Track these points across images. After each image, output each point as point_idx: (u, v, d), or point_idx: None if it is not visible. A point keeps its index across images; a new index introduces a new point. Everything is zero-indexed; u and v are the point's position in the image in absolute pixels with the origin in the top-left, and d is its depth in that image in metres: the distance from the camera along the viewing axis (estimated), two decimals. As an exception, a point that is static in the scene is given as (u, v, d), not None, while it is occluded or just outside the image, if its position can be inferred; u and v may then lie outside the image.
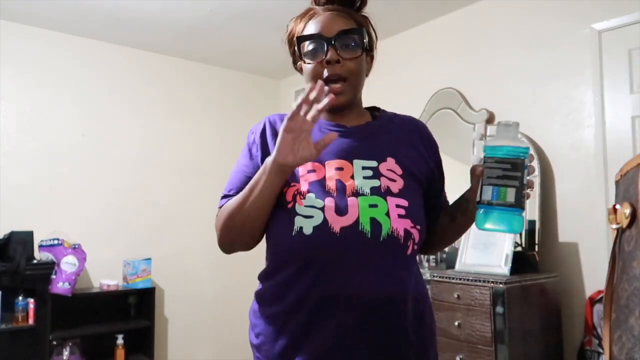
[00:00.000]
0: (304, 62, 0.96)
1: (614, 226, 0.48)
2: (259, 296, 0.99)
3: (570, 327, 2.40)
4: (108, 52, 3.57)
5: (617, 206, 0.47)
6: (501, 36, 2.81)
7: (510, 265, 2.23)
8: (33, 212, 3.17)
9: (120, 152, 3.58)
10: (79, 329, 3.11)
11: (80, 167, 3.40)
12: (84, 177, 3.41)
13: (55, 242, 3.01)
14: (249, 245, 1.00)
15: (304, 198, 0.89)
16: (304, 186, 0.90)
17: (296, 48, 0.96)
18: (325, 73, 0.93)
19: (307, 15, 0.99)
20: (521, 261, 2.37)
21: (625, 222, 0.46)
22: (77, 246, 3.10)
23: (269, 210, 0.91)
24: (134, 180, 3.62)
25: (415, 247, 0.91)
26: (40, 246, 3.01)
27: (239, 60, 4.01)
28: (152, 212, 3.68)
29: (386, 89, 3.13)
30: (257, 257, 4.77)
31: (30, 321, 2.84)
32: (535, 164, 2.51)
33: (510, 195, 0.79)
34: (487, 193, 0.81)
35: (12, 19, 3.16)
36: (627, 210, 0.45)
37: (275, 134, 0.99)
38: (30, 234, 2.95)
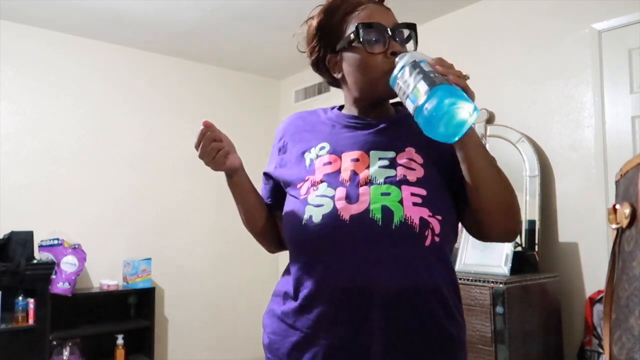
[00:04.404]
0: (365, 51, 0.88)
1: (614, 226, 0.48)
2: (274, 295, 0.99)
3: (570, 327, 2.40)
4: (108, 52, 3.57)
5: (617, 206, 0.47)
6: (501, 36, 2.81)
7: (510, 265, 2.23)
8: (33, 212, 3.17)
9: (120, 152, 3.58)
10: (79, 329, 3.11)
11: (81, 167, 3.40)
12: (84, 177, 3.41)
13: (55, 242, 3.01)
14: (260, 237, 1.10)
15: (317, 189, 0.89)
16: (318, 177, 0.90)
17: (353, 36, 0.89)
18: (390, 64, 0.86)
19: (346, 4, 0.93)
20: (521, 261, 2.37)
21: (625, 222, 0.46)
22: (77, 246, 3.10)
23: (247, 206, 1.04)
24: (134, 180, 3.62)
25: (437, 238, 0.83)
26: (40, 246, 3.01)
27: (239, 60, 4.01)
28: (152, 212, 3.68)
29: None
30: (257, 258, 4.77)
31: (30, 321, 2.84)
32: (535, 164, 2.51)
33: (422, 87, 0.73)
34: (409, 105, 0.76)
35: (12, 19, 3.16)
36: (627, 210, 0.45)
37: (304, 131, 1.03)
38: (30, 234, 2.95)
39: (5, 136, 3.14)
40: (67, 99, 3.39)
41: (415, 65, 0.77)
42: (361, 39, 0.88)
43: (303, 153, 0.97)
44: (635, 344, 0.42)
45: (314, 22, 0.97)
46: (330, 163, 0.91)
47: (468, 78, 0.78)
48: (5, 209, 3.07)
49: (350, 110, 1.00)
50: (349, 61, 0.92)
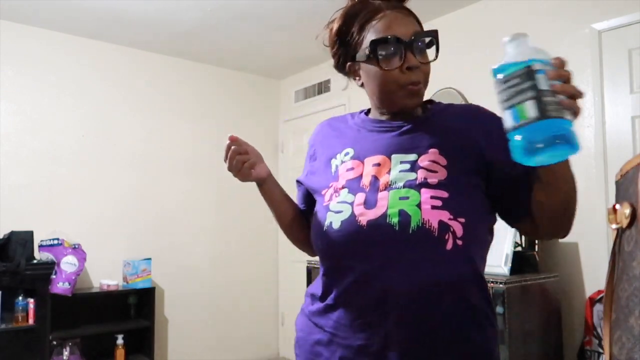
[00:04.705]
0: (380, 68, 0.88)
1: (614, 226, 0.48)
2: (305, 295, 1.01)
3: (570, 327, 2.40)
4: (108, 52, 3.57)
5: (617, 206, 0.47)
6: (501, 36, 2.77)
7: (510, 265, 2.23)
8: (33, 212, 3.17)
9: (120, 152, 3.58)
10: (79, 329, 3.11)
11: (81, 167, 3.40)
12: (84, 177, 3.41)
13: (55, 242, 3.01)
14: (298, 243, 1.12)
15: (339, 195, 0.90)
16: (340, 183, 0.92)
17: (368, 51, 0.89)
18: (405, 78, 0.88)
19: (364, 12, 0.91)
20: (521, 261, 2.37)
21: (625, 222, 0.46)
22: (77, 246, 3.10)
23: (278, 213, 1.07)
24: (134, 180, 3.62)
25: (460, 241, 0.81)
26: (40, 246, 3.01)
27: (239, 60, 4.01)
28: (152, 212, 3.68)
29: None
30: (257, 258, 4.76)
31: (30, 321, 2.84)
32: (535, 164, 2.51)
33: (531, 109, 0.63)
34: (508, 120, 0.66)
35: (12, 19, 3.16)
36: (627, 210, 0.45)
37: (331, 136, 1.04)
38: (30, 234, 2.95)
39: (5, 136, 3.14)
40: (67, 99, 3.39)
41: (530, 74, 0.65)
42: (376, 55, 0.88)
43: (330, 159, 0.98)
44: (635, 344, 0.42)
45: (334, 28, 0.96)
46: (352, 169, 0.92)
47: (582, 96, 0.67)
48: (5, 209, 3.07)
49: (375, 114, 1.00)
50: (366, 73, 0.93)
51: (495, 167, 0.87)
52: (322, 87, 4.01)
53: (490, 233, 0.92)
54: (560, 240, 2.46)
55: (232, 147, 0.98)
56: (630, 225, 0.45)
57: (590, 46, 2.40)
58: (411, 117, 0.95)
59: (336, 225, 0.87)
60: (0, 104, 3.14)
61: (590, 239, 2.35)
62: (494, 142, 0.85)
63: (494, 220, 0.93)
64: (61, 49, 3.38)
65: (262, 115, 4.35)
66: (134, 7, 3.02)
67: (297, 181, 1.10)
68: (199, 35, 3.47)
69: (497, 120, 0.87)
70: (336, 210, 0.88)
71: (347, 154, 0.96)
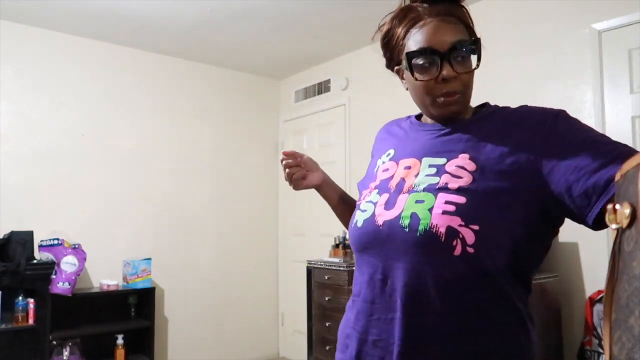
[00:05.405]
0: (415, 79, 0.89)
1: (614, 226, 0.48)
2: None
3: (570, 327, 2.40)
4: (108, 52, 3.58)
5: (617, 206, 0.47)
6: (501, 36, 2.81)
7: (510, 265, 2.23)
8: (33, 212, 3.18)
9: (120, 151, 3.58)
10: (79, 329, 3.11)
11: (81, 167, 3.40)
12: (84, 177, 3.41)
13: (55, 242, 3.01)
14: None
15: (370, 195, 0.94)
16: (375, 184, 0.96)
17: (405, 62, 0.90)
18: (440, 89, 0.88)
19: (408, 18, 0.91)
20: (521, 261, 2.36)
21: (625, 222, 0.46)
22: (77, 246, 3.10)
23: (337, 213, 1.19)
24: (134, 180, 3.63)
25: (471, 249, 0.78)
26: (40, 246, 3.01)
27: (239, 60, 4.02)
28: (152, 211, 3.69)
29: (386, 89, 3.14)
30: (258, 259, 4.76)
31: (30, 321, 2.85)
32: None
33: None
34: None
35: (12, 19, 3.16)
36: (627, 210, 0.45)
37: (383, 140, 1.10)
38: (30, 234, 2.95)
39: (5, 136, 3.14)
40: (67, 99, 3.39)
41: None
42: (411, 67, 0.89)
43: (377, 161, 1.03)
44: (635, 344, 0.42)
45: (383, 31, 0.97)
46: (387, 170, 0.96)
47: None
48: (5, 209, 3.07)
49: (424, 117, 1.01)
50: (407, 80, 0.95)
51: (557, 171, 0.78)
52: (322, 87, 4.01)
53: (527, 240, 0.83)
54: (560, 240, 2.46)
55: (284, 162, 1.11)
56: (630, 225, 0.45)
57: (590, 46, 2.40)
58: (455, 120, 0.94)
59: (359, 223, 0.91)
60: (0, 104, 3.14)
61: (590, 239, 2.35)
62: (554, 145, 0.79)
63: (538, 228, 0.83)
64: (61, 49, 3.38)
65: (262, 115, 4.35)
66: (134, 7, 3.02)
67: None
68: (198, 35, 3.47)
69: (556, 119, 0.81)
70: (363, 209, 0.93)
71: (388, 154, 1.00)
